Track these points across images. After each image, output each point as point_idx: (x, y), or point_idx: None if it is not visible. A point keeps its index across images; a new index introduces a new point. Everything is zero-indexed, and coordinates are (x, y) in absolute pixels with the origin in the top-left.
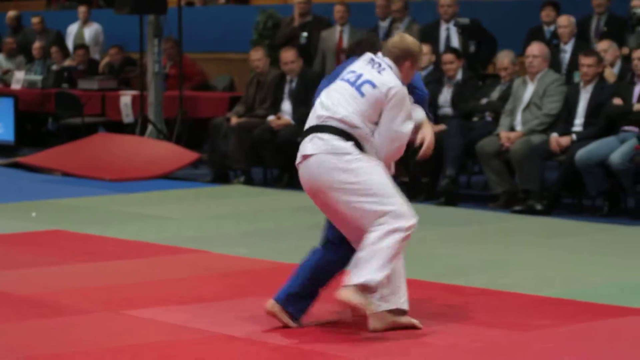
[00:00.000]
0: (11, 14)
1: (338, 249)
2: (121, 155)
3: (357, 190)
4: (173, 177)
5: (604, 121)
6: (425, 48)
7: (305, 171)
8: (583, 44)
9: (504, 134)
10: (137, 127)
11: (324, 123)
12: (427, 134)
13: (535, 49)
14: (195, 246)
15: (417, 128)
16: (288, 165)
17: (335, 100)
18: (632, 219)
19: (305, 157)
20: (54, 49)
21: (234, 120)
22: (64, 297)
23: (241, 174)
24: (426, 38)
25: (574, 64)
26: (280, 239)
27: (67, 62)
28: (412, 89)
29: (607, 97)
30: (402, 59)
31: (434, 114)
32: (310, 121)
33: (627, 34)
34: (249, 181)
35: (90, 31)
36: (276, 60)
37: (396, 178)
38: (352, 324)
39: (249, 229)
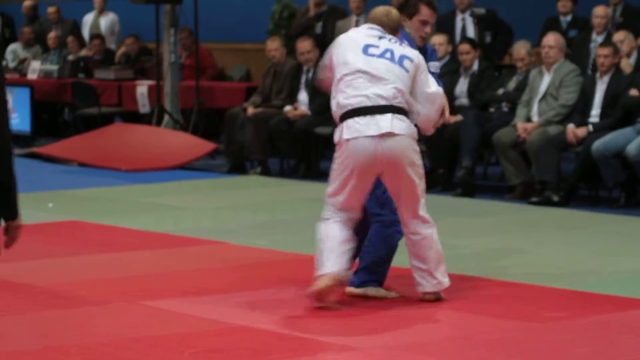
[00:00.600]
0: (27, 3)
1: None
2: (138, 145)
3: (420, 174)
4: (189, 167)
5: (620, 112)
6: (441, 38)
7: (385, 145)
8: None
9: (520, 125)
10: (153, 117)
11: (394, 104)
12: (445, 106)
13: (552, 39)
14: (212, 237)
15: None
16: (305, 156)
17: (391, 79)
18: None
19: (391, 134)
20: (70, 39)
21: (251, 110)
22: (81, 288)
23: (258, 165)
24: (442, 28)
25: None
26: (298, 230)
27: (83, 52)
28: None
29: (624, 88)
30: (396, 31)
31: (450, 105)
32: (370, 96)
33: None
34: (266, 172)
35: (106, 21)
36: (292, 50)
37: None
38: (370, 316)
39: (266, 220)
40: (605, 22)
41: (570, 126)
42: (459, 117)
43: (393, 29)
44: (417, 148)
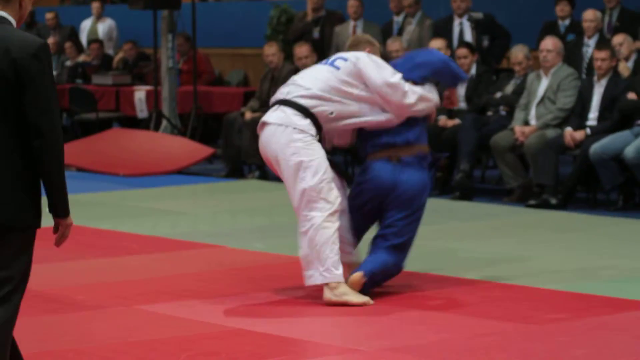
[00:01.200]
0: None
1: None
2: (136, 150)
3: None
4: (187, 172)
5: (618, 115)
6: (439, 43)
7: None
8: (605, 39)
9: (518, 128)
10: (151, 122)
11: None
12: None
13: (549, 43)
14: (210, 241)
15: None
16: None
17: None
18: None
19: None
20: (67, 45)
21: (249, 115)
22: (79, 292)
23: (256, 169)
24: (440, 33)
25: None
26: (295, 233)
27: (81, 58)
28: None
29: (621, 92)
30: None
31: (448, 109)
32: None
33: (639, 28)
34: (264, 176)
35: (104, 26)
36: (290, 55)
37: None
38: (369, 318)
39: (264, 224)
40: (594, 26)
41: (568, 129)
42: (456, 121)
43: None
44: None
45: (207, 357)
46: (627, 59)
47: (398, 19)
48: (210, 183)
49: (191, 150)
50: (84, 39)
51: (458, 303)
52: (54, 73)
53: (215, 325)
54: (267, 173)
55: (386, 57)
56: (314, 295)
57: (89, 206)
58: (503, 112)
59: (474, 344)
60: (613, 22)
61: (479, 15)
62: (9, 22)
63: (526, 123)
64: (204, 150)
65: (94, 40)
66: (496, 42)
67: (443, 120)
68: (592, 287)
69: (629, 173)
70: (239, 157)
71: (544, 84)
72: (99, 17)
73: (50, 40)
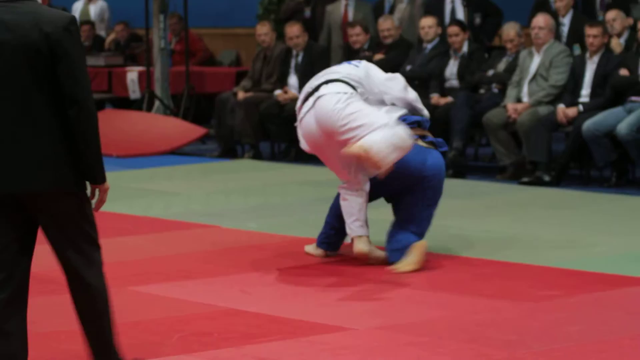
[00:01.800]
0: None
1: None
2: (128, 131)
3: None
4: (180, 152)
5: (611, 92)
6: (431, 21)
7: None
8: (581, 17)
9: (510, 105)
10: (144, 103)
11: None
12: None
13: (541, 20)
14: (204, 221)
15: None
16: (295, 139)
17: None
18: None
19: None
20: None
21: (241, 95)
22: None
23: (249, 149)
24: (431, 11)
25: (572, 37)
26: (289, 213)
27: None
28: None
29: (614, 68)
30: None
31: (440, 87)
32: None
33: (631, 4)
34: (257, 155)
35: (96, 8)
36: (282, 34)
37: None
38: (362, 297)
39: (258, 204)
40: (565, 4)
41: (561, 106)
42: (449, 99)
43: None
44: None
45: (200, 337)
46: (619, 35)
47: None
48: (204, 163)
49: (184, 130)
50: None
51: (451, 280)
52: None
53: (208, 306)
54: (260, 152)
55: (377, 36)
56: (307, 274)
57: None
58: (495, 90)
59: (467, 322)
60: None
61: None
62: None
63: (519, 100)
64: (197, 131)
65: (85, 21)
66: (488, 20)
67: (435, 98)
68: (586, 264)
69: (621, 150)
70: (232, 136)
71: (536, 61)
72: None
73: None
